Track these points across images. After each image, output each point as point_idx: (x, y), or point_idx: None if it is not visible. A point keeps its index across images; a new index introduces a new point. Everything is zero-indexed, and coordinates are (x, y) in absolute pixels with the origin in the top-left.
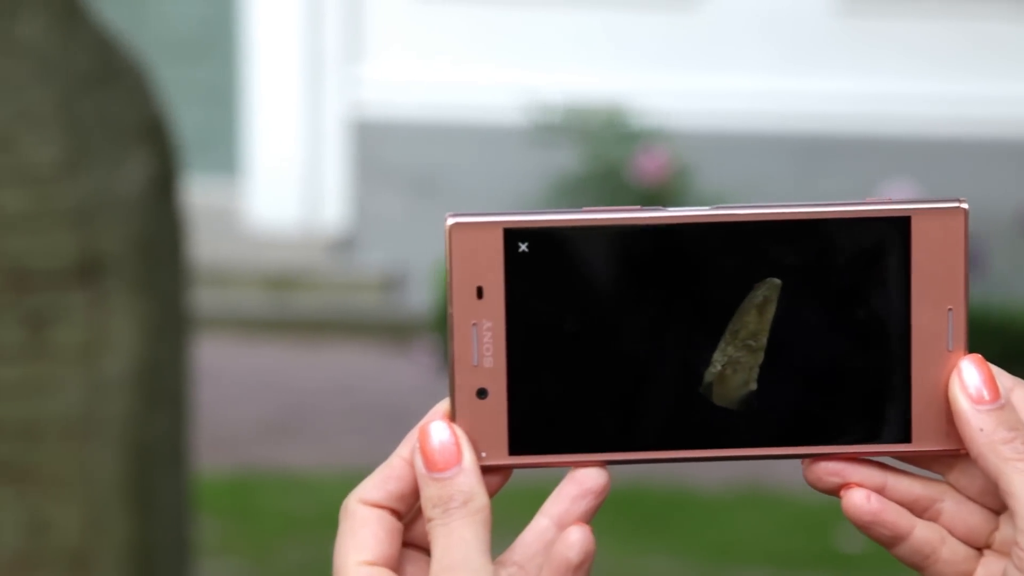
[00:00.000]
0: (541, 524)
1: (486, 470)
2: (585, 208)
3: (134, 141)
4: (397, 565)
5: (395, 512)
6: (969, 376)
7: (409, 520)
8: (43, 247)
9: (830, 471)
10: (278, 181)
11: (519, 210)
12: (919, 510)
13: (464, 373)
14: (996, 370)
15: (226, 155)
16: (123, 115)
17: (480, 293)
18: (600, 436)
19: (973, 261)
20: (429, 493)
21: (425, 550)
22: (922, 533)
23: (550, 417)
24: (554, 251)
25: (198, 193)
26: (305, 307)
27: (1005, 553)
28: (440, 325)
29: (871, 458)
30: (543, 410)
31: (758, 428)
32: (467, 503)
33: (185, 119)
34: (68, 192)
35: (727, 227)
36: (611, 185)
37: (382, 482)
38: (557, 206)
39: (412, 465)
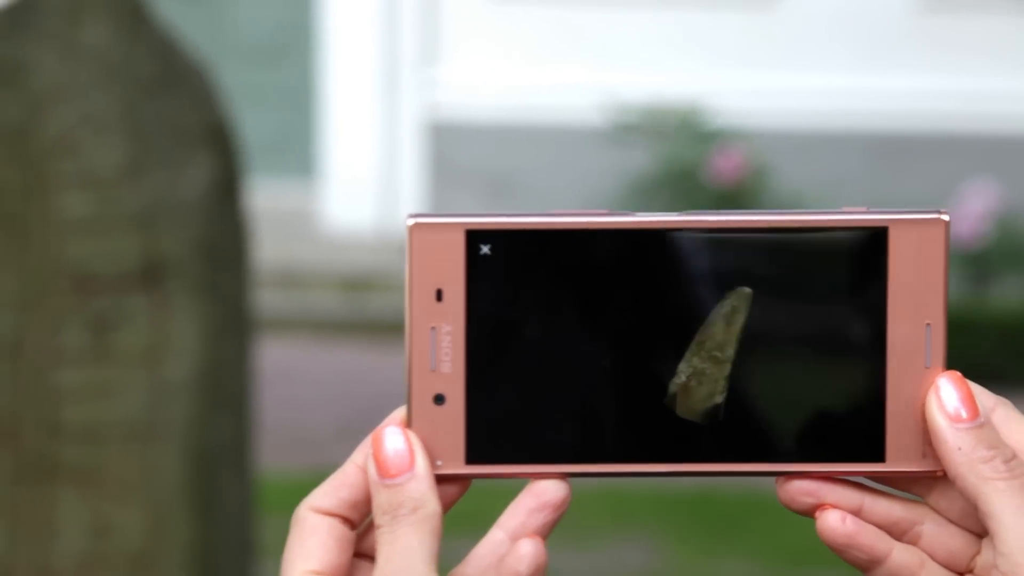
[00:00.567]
0: (496, 537)
1: (442, 479)
2: (551, 211)
3: (197, 144)
4: (346, 575)
5: (347, 520)
6: (947, 394)
7: (364, 529)
8: (106, 251)
9: (804, 491)
10: (354, 183)
11: (483, 212)
12: (898, 533)
13: (421, 378)
14: (977, 388)
15: (303, 158)
16: (186, 119)
17: (440, 296)
18: (561, 447)
19: None
20: (379, 500)
21: None
22: (900, 557)
23: (509, 426)
24: (517, 255)
25: (275, 196)
26: (381, 309)
27: None
28: None
29: (847, 478)
30: (502, 419)
31: (725, 443)
32: (416, 510)
33: (262, 123)
34: (131, 196)
35: (697, 234)
36: (687, 186)
37: (334, 489)
38: (633, 207)
39: (366, 472)
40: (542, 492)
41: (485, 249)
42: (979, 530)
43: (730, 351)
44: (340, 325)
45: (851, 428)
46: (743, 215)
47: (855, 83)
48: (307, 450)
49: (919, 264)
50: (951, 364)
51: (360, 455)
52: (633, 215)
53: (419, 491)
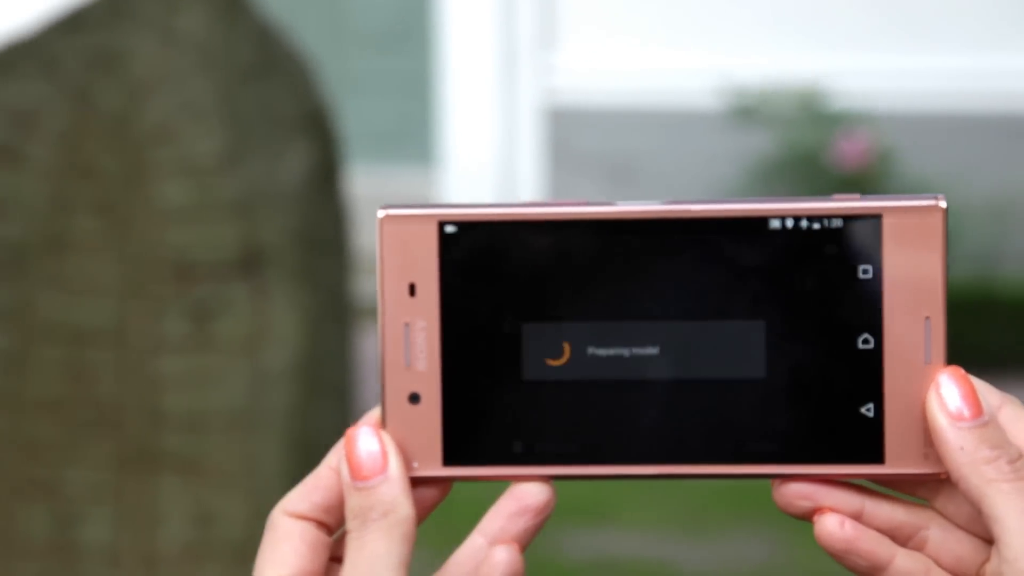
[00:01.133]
0: (475, 543)
1: (418, 482)
2: (527, 201)
3: (295, 131)
4: None
5: (323, 524)
6: (948, 391)
7: (342, 534)
8: (206, 239)
9: (800, 494)
10: (473, 170)
11: (456, 203)
12: (902, 538)
13: (395, 376)
14: (981, 385)
15: (421, 145)
16: (284, 105)
17: (413, 290)
18: (543, 448)
19: None
20: (351, 503)
21: None
22: (904, 563)
23: (488, 425)
24: (493, 246)
25: (393, 184)
26: None
27: None
28: None
29: (847, 481)
30: (480, 418)
31: (717, 443)
32: (387, 515)
33: (380, 110)
34: (230, 184)
35: (678, 223)
36: (809, 171)
37: (308, 492)
38: (753, 192)
39: (340, 474)
40: (523, 496)
41: (459, 241)
42: (988, 535)
43: None
44: None
45: (848, 428)
46: (728, 204)
47: (987, 62)
48: None
49: (916, 254)
50: (954, 357)
51: (334, 457)
52: (614, 204)
53: (391, 494)
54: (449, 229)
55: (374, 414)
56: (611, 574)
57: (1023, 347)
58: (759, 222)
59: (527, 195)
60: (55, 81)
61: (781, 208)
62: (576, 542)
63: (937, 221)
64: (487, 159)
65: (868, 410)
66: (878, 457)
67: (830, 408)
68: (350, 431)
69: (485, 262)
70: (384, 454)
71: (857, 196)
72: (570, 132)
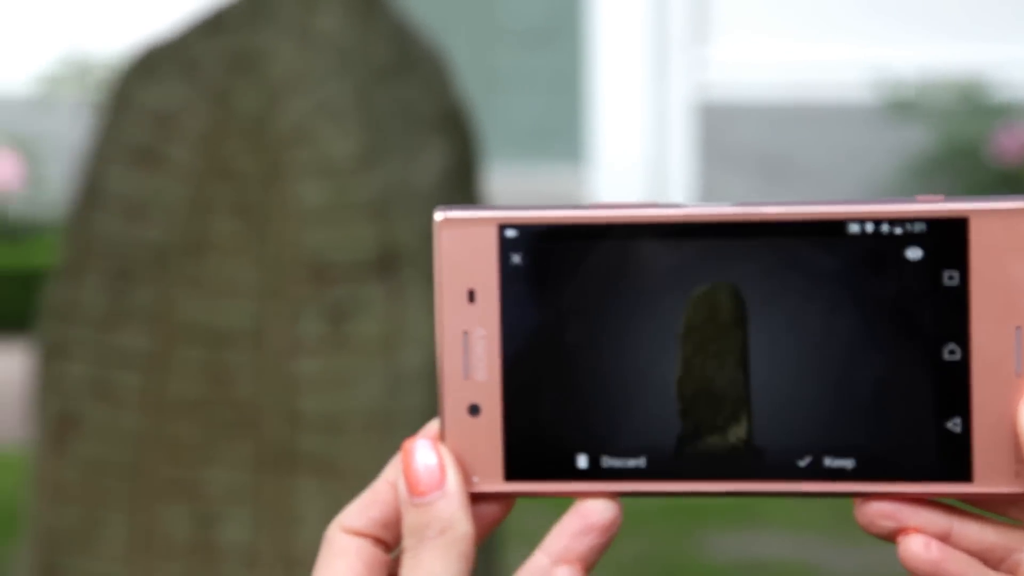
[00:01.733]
0: (539, 562)
1: (478, 497)
2: (593, 204)
3: (431, 131)
4: None
5: (381, 541)
6: None
7: (400, 552)
8: (342, 239)
9: (884, 513)
10: (623, 167)
11: (518, 205)
12: (993, 561)
13: (454, 387)
14: None
15: (571, 142)
16: (420, 105)
17: (472, 297)
18: (609, 463)
19: None
20: (408, 520)
21: None
22: None
23: (551, 439)
24: (556, 251)
25: (544, 181)
26: None
27: None
28: None
29: (932, 500)
30: (543, 430)
31: (794, 460)
32: (444, 532)
33: (531, 107)
34: (366, 184)
35: (752, 227)
36: (968, 165)
37: (364, 508)
38: (911, 188)
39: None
40: (588, 513)
41: (519, 245)
42: None
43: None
44: None
45: (933, 444)
46: (806, 206)
47: None
48: None
49: (1005, 259)
50: None
51: (392, 471)
52: (684, 207)
53: (448, 511)
54: (509, 233)
55: (434, 426)
56: None
57: None
58: (837, 225)
59: (678, 193)
60: (195, 83)
61: (860, 211)
62: (720, 544)
63: None
64: (637, 156)
65: (955, 425)
66: (966, 475)
67: (914, 423)
68: (407, 443)
69: (548, 267)
70: (442, 468)
71: (941, 197)
72: (722, 128)
